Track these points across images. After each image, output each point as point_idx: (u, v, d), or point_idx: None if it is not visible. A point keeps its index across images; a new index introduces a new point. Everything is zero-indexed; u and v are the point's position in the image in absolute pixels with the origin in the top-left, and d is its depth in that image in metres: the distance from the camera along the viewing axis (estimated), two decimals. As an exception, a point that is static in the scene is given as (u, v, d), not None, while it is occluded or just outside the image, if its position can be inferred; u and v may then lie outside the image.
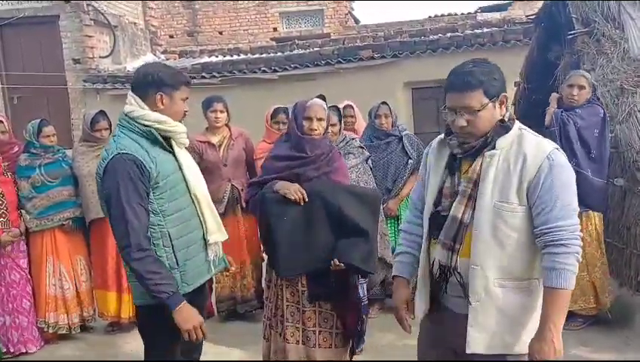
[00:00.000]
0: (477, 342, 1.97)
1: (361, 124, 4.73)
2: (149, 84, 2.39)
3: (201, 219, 2.49)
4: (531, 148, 1.90)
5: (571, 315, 3.93)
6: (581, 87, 3.86)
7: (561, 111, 3.85)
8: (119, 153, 2.27)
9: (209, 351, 4.06)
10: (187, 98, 2.49)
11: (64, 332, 4.33)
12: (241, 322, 4.52)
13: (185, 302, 2.30)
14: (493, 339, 1.96)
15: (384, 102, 4.48)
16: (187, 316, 2.30)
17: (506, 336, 1.96)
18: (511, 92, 6.22)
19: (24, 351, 4.19)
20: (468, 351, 1.99)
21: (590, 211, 3.81)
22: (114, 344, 4.35)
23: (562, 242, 1.84)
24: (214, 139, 4.46)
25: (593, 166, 3.81)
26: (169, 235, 2.35)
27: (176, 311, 2.27)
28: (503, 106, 1.97)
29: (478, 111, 1.90)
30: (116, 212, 2.27)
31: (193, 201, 2.46)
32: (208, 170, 4.41)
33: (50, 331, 4.30)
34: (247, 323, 4.49)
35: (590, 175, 3.78)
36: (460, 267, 1.99)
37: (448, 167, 2.06)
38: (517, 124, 1.99)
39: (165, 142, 2.41)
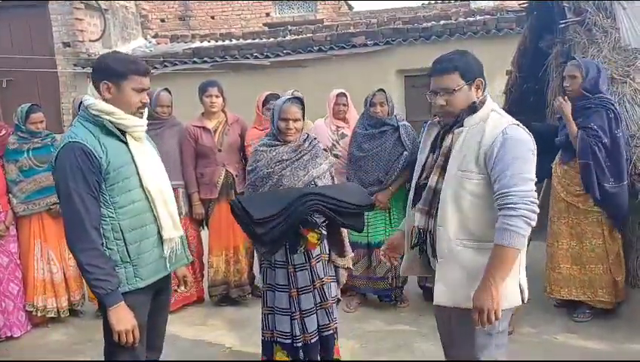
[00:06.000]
0: (441, 294, 2.23)
1: (353, 114, 4.55)
2: (96, 72, 2.34)
3: (155, 214, 2.40)
4: (491, 124, 2.16)
5: (580, 305, 3.95)
6: (572, 77, 3.83)
7: (590, 143, 3.66)
8: (69, 142, 2.23)
9: (202, 336, 4.08)
10: (143, 89, 2.35)
11: (52, 315, 4.33)
12: (234, 307, 4.54)
13: (122, 303, 2.25)
14: (455, 293, 2.20)
15: (381, 90, 4.27)
16: (121, 317, 2.24)
17: (469, 291, 2.13)
18: (502, 80, 6.22)
19: (9, 334, 4.18)
20: (435, 303, 2.28)
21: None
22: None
23: (510, 206, 2.04)
24: (210, 125, 4.46)
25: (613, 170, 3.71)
26: (120, 228, 2.28)
27: (111, 310, 2.23)
28: (478, 90, 2.23)
29: (454, 91, 2.19)
30: (65, 201, 2.22)
31: (146, 195, 2.37)
32: (203, 155, 4.45)
33: (39, 315, 4.29)
34: (239, 308, 4.51)
35: (614, 184, 3.68)
36: (434, 230, 2.25)
37: (433, 144, 2.34)
38: (489, 106, 2.22)
39: (122, 134, 2.33)
